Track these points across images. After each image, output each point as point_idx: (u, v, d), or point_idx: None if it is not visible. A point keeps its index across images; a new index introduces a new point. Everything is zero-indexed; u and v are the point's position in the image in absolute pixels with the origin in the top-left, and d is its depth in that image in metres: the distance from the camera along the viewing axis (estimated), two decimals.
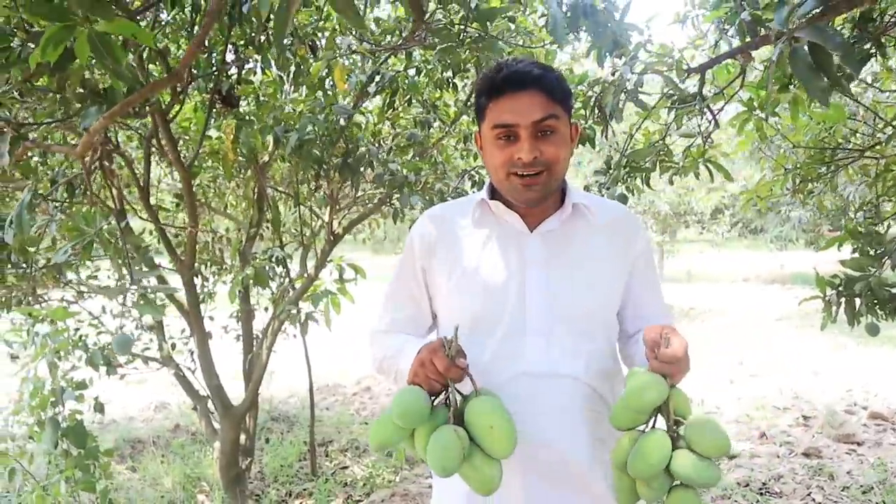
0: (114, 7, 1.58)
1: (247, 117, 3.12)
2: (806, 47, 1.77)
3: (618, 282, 1.38)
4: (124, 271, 2.10)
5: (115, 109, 1.53)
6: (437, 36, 2.52)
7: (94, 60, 1.36)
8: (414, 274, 1.44)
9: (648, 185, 3.45)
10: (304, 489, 4.07)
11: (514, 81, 1.26)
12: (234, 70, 3.26)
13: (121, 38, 1.66)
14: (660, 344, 1.13)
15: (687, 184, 11.36)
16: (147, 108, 2.03)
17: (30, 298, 3.08)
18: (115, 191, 3.45)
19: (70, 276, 2.71)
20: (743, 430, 4.89)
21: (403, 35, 2.80)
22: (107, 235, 2.17)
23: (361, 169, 2.90)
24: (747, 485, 3.81)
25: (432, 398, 1.18)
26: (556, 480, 1.31)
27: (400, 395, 1.15)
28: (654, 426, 1.17)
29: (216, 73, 3.06)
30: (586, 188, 3.19)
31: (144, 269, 2.22)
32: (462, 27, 2.52)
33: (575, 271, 1.34)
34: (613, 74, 2.89)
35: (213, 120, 3.52)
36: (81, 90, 1.69)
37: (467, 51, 2.66)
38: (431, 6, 2.58)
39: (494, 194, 1.41)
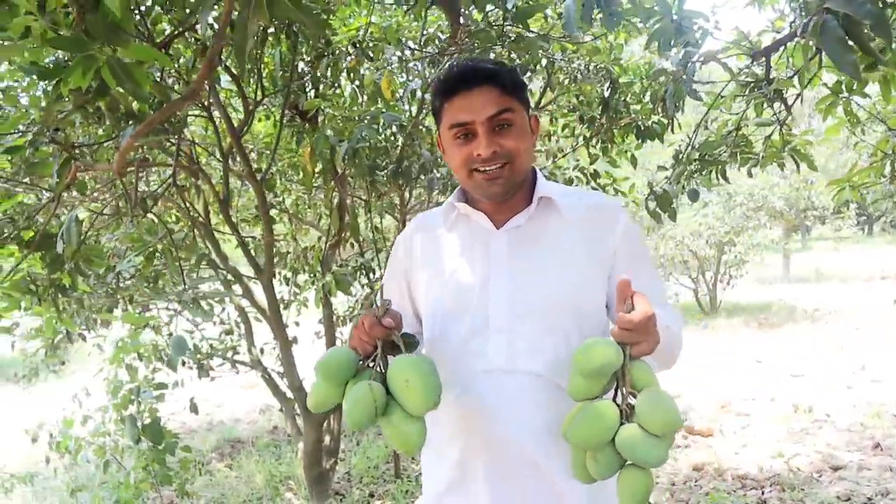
0: (135, 35, 1.71)
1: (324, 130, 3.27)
2: (835, 19, 1.65)
3: (593, 274, 1.33)
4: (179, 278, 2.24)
5: (139, 129, 1.66)
6: (476, 38, 2.53)
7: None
8: (397, 279, 1.49)
9: (725, 177, 3.29)
10: (386, 490, 4.17)
11: (465, 80, 1.27)
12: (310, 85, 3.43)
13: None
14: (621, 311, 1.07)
15: (806, 176, 10.61)
16: (174, 125, 2.15)
17: (128, 306, 3.37)
18: (199, 204, 3.72)
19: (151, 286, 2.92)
20: (854, 439, 4.50)
21: (444, 41, 2.83)
22: (168, 246, 2.36)
23: (415, 175, 2.94)
24: (849, 499, 3.50)
25: (365, 360, 1.18)
26: (518, 476, 1.29)
27: (327, 352, 1.18)
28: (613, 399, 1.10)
29: (288, 89, 3.24)
30: (650, 186, 3.06)
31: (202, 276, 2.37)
32: (500, 28, 2.52)
33: (540, 267, 1.31)
34: (674, 64, 2.78)
35: (290, 134, 3.71)
36: (121, 112, 1.84)
37: (508, 52, 2.65)
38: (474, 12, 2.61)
39: (464, 197, 1.43)
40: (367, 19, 2.91)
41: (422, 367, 1.12)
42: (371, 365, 1.17)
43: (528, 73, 3.77)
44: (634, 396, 1.07)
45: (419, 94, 3.04)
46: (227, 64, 3.17)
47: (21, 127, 1.95)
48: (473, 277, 1.33)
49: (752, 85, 2.96)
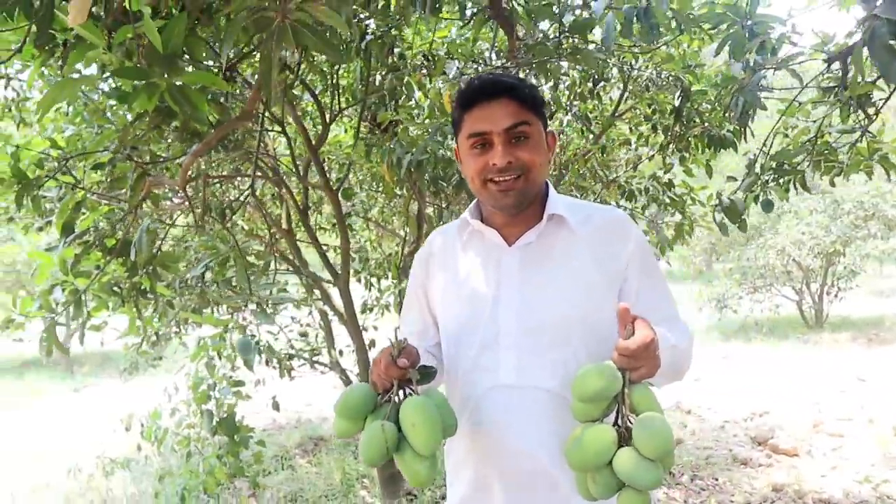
0: (203, 60, 1.86)
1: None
2: (884, 26, 1.57)
3: (602, 288, 1.34)
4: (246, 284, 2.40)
5: (198, 148, 1.82)
6: (532, 52, 2.56)
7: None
8: (417, 293, 1.53)
9: (805, 187, 3.15)
10: None
11: (485, 92, 1.30)
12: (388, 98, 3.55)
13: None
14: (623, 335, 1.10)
15: None
16: (234, 143, 2.30)
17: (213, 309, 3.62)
18: (282, 213, 3.94)
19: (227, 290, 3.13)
20: None
21: (499, 55, 2.87)
22: (237, 254, 2.53)
23: None
24: None
25: (384, 394, 1.26)
26: (530, 490, 1.32)
27: (345, 391, 1.27)
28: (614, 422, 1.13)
29: (364, 102, 3.38)
30: (718, 196, 2.98)
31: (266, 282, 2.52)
32: (557, 40, 2.53)
33: (549, 283, 1.33)
34: (742, 72, 2.70)
35: (366, 145, 3.86)
36: (187, 132, 2.01)
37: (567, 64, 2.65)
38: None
39: (478, 214, 1.46)
40: (434, 34, 2.99)
41: (426, 410, 1.19)
42: (389, 399, 1.25)
43: (601, 83, 3.77)
44: (630, 420, 1.10)
45: None
46: (307, 81, 3.36)
47: (108, 144, 2.17)
48: (485, 294, 1.36)
49: (833, 90, 2.83)
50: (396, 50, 3.11)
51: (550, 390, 1.30)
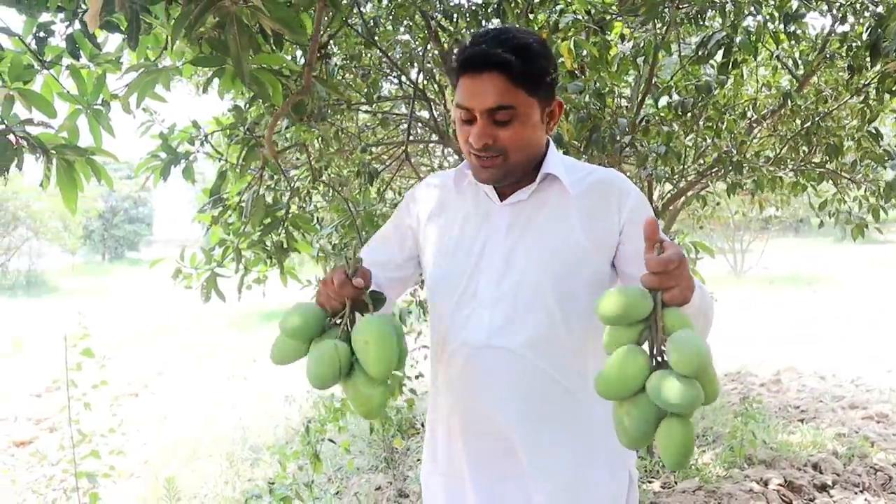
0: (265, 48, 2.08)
1: None
2: None
3: (589, 252, 1.29)
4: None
5: (271, 121, 2.04)
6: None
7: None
8: (399, 229, 1.51)
9: None
10: None
11: (473, 63, 1.23)
12: None
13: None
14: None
15: None
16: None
17: None
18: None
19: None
20: None
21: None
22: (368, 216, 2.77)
23: (606, 142, 2.85)
24: None
25: (332, 318, 1.17)
26: (491, 454, 1.33)
27: (292, 308, 1.16)
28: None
29: None
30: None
31: None
32: None
33: (536, 241, 1.30)
34: None
35: None
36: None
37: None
38: None
39: None
40: None
41: (382, 330, 1.09)
42: (338, 323, 1.16)
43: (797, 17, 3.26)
44: (664, 344, 0.98)
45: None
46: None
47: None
48: (469, 249, 1.35)
49: None
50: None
51: (517, 352, 1.28)
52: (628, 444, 1.00)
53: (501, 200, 1.35)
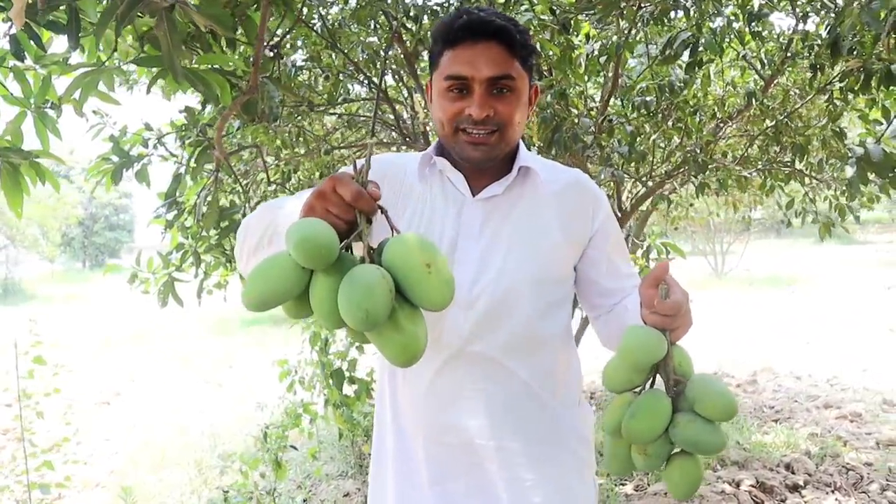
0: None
1: None
2: None
3: (564, 251, 1.26)
4: None
5: (220, 122, 2.00)
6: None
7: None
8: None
9: None
10: None
11: (472, 30, 1.16)
12: None
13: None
14: (656, 297, 1.03)
15: None
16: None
17: None
18: None
19: None
20: None
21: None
22: None
23: (569, 143, 2.83)
24: None
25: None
26: (452, 466, 1.25)
27: (297, 226, 0.82)
28: (652, 387, 1.06)
29: None
30: (862, 143, 2.47)
31: None
32: None
33: (508, 243, 1.24)
34: None
35: None
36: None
37: None
38: None
39: (442, 151, 1.31)
40: None
41: (437, 249, 0.87)
42: (347, 250, 0.90)
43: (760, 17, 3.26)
44: (678, 384, 1.04)
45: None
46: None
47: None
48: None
49: None
50: None
51: (494, 358, 1.23)
52: (618, 474, 1.09)
53: (473, 193, 1.27)
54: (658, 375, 1.04)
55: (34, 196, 1.91)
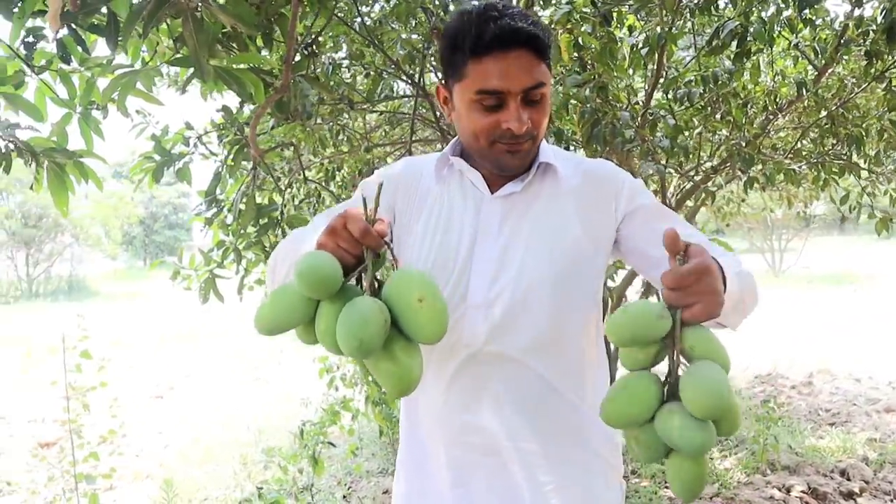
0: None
1: None
2: None
3: (585, 247, 1.22)
4: None
5: (253, 120, 2.02)
6: None
7: None
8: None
9: None
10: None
11: (502, 40, 1.10)
12: None
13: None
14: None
15: None
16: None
17: None
18: None
19: None
20: None
21: None
22: None
23: (608, 138, 2.77)
24: None
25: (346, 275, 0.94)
26: (475, 467, 1.23)
27: (305, 258, 0.88)
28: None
29: None
30: None
31: None
32: None
33: (527, 241, 1.21)
34: None
35: None
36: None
37: None
38: None
39: (461, 152, 1.30)
40: None
41: (432, 283, 0.90)
42: (355, 281, 0.95)
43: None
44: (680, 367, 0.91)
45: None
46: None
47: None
48: (458, 244, 1.23)
49: None
50: None
51: (517, 359, 1.20)
52: (640, 461, 0.96)
53: (492, 192, 1.25)
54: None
55: (96, 196, 1.97)
